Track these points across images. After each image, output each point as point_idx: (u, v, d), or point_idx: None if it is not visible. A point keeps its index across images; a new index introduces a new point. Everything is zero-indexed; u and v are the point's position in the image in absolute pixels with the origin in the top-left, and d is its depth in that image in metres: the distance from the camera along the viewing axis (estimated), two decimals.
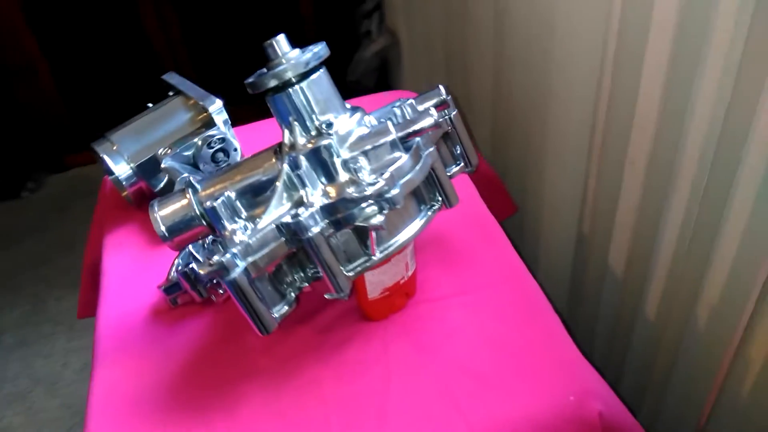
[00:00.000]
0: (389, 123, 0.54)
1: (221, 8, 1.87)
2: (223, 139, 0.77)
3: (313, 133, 0.54)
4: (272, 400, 0.58)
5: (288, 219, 0.52)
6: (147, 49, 1.84)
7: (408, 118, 0.57)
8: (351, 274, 0.54)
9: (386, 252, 0.55)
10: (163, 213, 0.58)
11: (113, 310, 0.69)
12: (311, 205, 0.53)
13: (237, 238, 0.53)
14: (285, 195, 0.55)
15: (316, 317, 0.64)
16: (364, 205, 0.52)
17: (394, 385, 0.57)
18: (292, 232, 0.53)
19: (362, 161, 0.54)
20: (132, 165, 0.75)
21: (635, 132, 0.73)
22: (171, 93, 0.84)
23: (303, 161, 0.54)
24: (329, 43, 0.55)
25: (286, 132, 0.55)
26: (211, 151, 0.76)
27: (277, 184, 0.55)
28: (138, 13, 1.79)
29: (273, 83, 0.53)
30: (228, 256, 0.51)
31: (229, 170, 0.59)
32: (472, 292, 0.65)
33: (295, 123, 0.54)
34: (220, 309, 0.67)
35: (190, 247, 0.68)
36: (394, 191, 0.51)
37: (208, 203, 0.56)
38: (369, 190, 0.51)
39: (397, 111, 0.57)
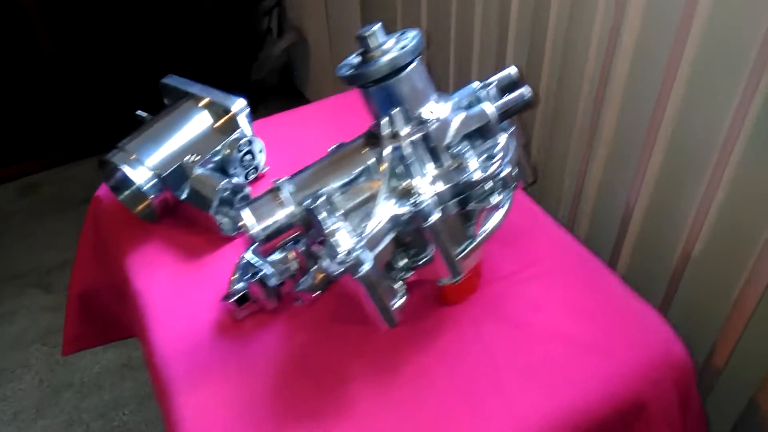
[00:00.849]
0: (488, 105, 0.55)
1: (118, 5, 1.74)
2: (250, 141, 0.74)
3: (415, 121, 0.55)
4: (383, 393, 0.57)
5: (405, 209, 0.52)
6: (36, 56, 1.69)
7: (494, 99, 0.58)
8: (460, 257, 0.55)
9: (486, 233, 0.57)
10: (258, 216, 0.55)
11: (169, 333, 0.64)
12: (421, 193, 0.53)
13: (341, 236, 0.52)
14: (388, 185, 0.54)
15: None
16: (477, 187, 0.53)
17: (500, 361, 0.59)
18: (407, 222, 0.53)
19: (465, 145, 0.55)
20: (159, 174, 0.70)
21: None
22: (166, 100, 0.79)
23: (408, 150, 0.54)
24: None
25: (386, 122, 0.54)
26: (240, 154, 0.73)
27: (381, 175, 0.54)
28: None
29: (383, 73, 0.52)
30: (359, 250, 0.50)
31: (318, 167, 0.57)
32: (535, 265, 0.68)
33: (398, 112, 0.54)
34: (293, 314, 0.65)
35: (248, 257, 0.65)
36: (507, 170, 0.53)
37: (307, 203, 0.54)
38: (488, 172, 0.52)
39: (482, 93, 0.58)
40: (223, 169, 0.73)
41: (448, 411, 0.56)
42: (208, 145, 0.73)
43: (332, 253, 0.51)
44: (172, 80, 0.78)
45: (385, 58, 0.52)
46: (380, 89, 0.54)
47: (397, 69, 0.53)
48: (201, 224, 0.73)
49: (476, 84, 0.60)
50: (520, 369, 0.58)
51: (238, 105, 0.73)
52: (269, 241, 0.56)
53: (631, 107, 0.72)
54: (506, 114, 0.56)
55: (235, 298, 0.63)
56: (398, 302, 0.55)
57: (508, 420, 0.55)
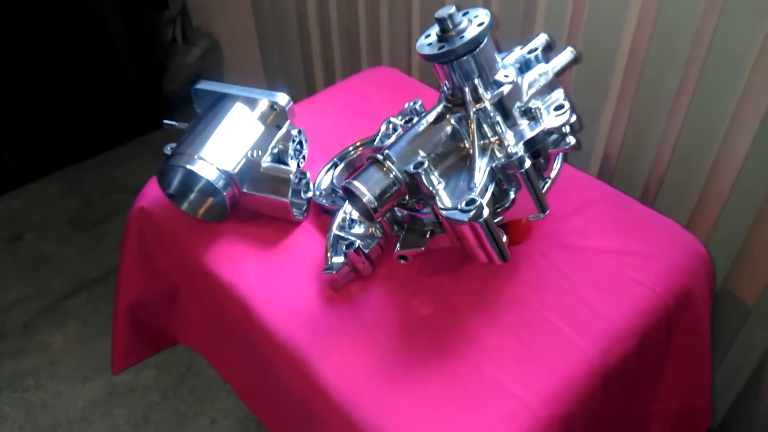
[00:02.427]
0: (544, 65, 0.66)
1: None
2: (300, 132, 0.80)
3: (493, 85, 0.64)
4: (493, 322, 0.67)
5: (502, 160, 0.62)
6: None
7: (542, 61, 0.69)
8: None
9: (556, 172, 0.68)
10: (369, 186, 0.62)
11: (279, 313, 0.69)
12: (512, 144, 0.63)
13: (443, 195, 0.61)
14: (478, 144, 0.64)
15: (465, 265, 0.72)
16: (555, 134, 0.64)
17: (575, 280, 0.70)
18: (504, 170, 0.62)
19: (535, 102, 0.65)
20: (227, 171, 0.74)
21: None
22: (197, 105, 0.82)
23: (492, 110, 0.63)
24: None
25: (470, 89, 0.63)
26: (295, 144, 0.79)
27: (469, 135, 0.63)
28: None
29: (469, 48, 0.61)
30: (479, 200, 0.59)
31: (410, 137, 0.65)
32: (572, 203, 0.79)
33: (479, 80, 0.63)
34: (386, 276, 0.72)
35: (336, 232, 0.72)
36: (574, 117, 0.64)
37: (411, 168, 0.62)
38: (565, 119, 0.63)
39: (531, 57, 0.68)
40: (279, 160, 0.78)
41: (549, 325, 0.66)
42: (266, 139, 0.77)
43: (451, 206, 0.60)
44: (206, 85, 0.81)
45: (469, 35, 0.61)
46: (464, 62, 0.62)
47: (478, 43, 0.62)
48: (266, 213, 0.78)
49: (518, 49, 0.70)
50: (594, 282, 0.70)
51: (284, 99, 0.79)
52: (381, 207, 0.63)
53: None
54: (558, 72, 0.67)
55: (338, 269, 0.69)
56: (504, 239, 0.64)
57: (600, 324, 0.66)
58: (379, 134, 0.84)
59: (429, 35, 0.66)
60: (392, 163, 0.63)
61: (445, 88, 0.67)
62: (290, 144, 0.78)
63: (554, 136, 0.64)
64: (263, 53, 1.68)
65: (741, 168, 0.81)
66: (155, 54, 1.98)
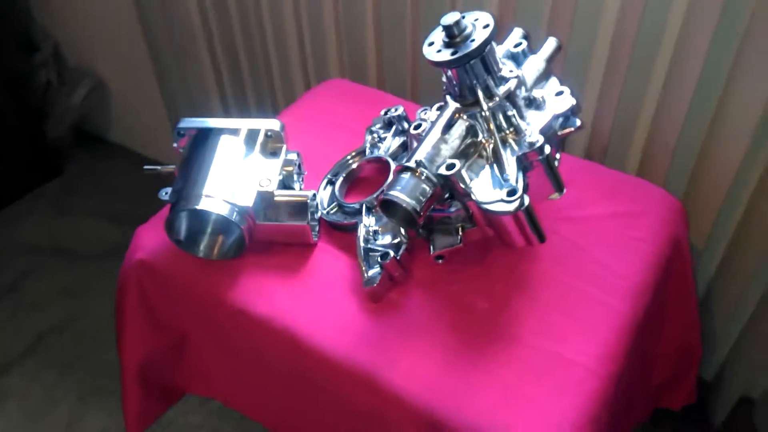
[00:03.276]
0: (537, 57, 0.71)
1: None
2: (298, 154, 0.80)
3: (502, 81, 0.68)
4: (531, 300, 0.71)
5: (525, 150, 0.66)
6: None
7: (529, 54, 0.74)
8: None
9: (560, 154, 0.74)
10: (410, 194, 0.64)
11: (330, 334, 0.69)
12: (530, 134, 0.67)
13: (478, 191, 0.65)
14: (498, 137, 0.68)
15: (489, 254, 0.76)
16: (560, 118, 0.69)
17: (585, 245, 0.76)
18: (523, 159, 0.67)
19: (536, 92, 0.70)
20: (246, 206, 0.73)
21: None
22: (178, 145, 0.80)
23: (506, 104, 0.68)
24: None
25: (480, 89, 0.67)
26: (296, 168, 0.79)
27: (492, 131, 0.68)
28: None
29: (480, 51, 0.65)
30: (519, 190, 0.63)
31: (432, 141, 0.68)
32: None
33: (490, 79, 0.67)
34: (421, 279, 0.74)
35: (364, 246, 0.73)
36: (574, 101, 0.70)
37: (445, 171, 0.65)
38: (570, 104, 0.69)
39: (518, 51, 0.73)
40: (285, 185, 0.78)
41: (581, 292, 0.72)
42: (268, 167, 0.77)
43: (493, 200, 0.63)
44: (188, 123, 0.79)
45: (479, 38, 0.65)
46: (475, 64, 0.66)
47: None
48: (281, 242, 0.77)
49: (499, 47, 0.74)
50: (603, 246, 0.77)
51: (277, 124, 0.78)
52: (423, 212, 0.65)
53: None
54: (548, 61, 0.73)
55: (377, 280, 0.70)
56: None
57: (623, 283, 0.73)
58: (367, 144, 0.86)
59: (432, 43, 0.69)
60: (425, 168, 0.65)
61: (453, 90, 0.70)
62: (293, 168, 0.78)
63: (560, 120, 0.70)
64: (162, 86, 1.62)
65: (682, 127, 0.91)
66: (30, 100, 1.84)
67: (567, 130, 0.70)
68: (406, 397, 0.64)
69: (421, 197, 0.65)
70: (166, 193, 0.78)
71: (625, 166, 1.00)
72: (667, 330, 0.85)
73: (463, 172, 0.65)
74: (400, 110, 0.85)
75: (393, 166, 0.80)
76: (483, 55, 0.66)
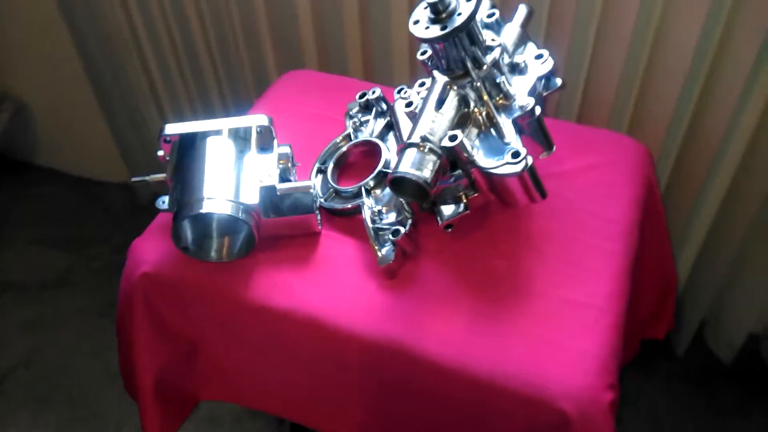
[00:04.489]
0: (512, 24, 0.75)
1: None
2: (289, 147, 0.80)
3: (488, 50, 0.72)
4: (539, 254, 0.76)
5: (517, 113, 0.70)
6: None
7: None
8: None
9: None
10: (421, 167, 0.67)
11: (359, 316, 0.71)
12: (520, 97, 0.71)
13: (481, 157, 0.69)
14: (492, 104, 0.71)
15: (489, 218, 0.80)
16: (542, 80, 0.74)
17: (576, 194, 0.82)
18: (519, 120, 0.71)
19: (517, 57, 0.74)
20: (246, 203, 0.73)
21: None
22: (163, 153, 0.79)
23: (495, 71, 0.71)
24: None
25: (469, 59, 0.70)
26: (291, 161, 0.80)
27: (485, 98, 0.71)
28: None
29: (468, 23, 0.67)
30: (522, 151, 0.67)
31: (429, 115, 0.70)
32: None
33: (477, 49, 0.70)
34: (430, 250, 0.77)
35: (373, 226, 0.75)
36: (553, 61, 0.74)
37: (448, 142, 0.68)
38: (550, 65, 0.73)
39: (492, 21, 0.76)
40: (284, 178, 0.78)
41: (580, 242, 0.77)
42: (263, 162, 0.77)
43: (498, 163, 0.67)
44: (173, 129, 0.77)
45: (465, 11, 0.68)
46: (461, 37, 0.69)
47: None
48: (286, 234, 0.78)
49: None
50: (588, 196, 0.82)
51: (265, 119, 0.78)
52: (434, 184, 0.68)
53: None
54: (522, 27, 0.77)
55: (392, 257, 0.73)
56: None
57: (614, 227, 0.79)
58: (350, 130, 0.88)
59: (418, 21, 0.71)
60: (429, 142, 0.68)
61: (441, 64, 0.73)
62: (288, 161, 0.79)
63: (542, 82, 0.74)
64: (102, 103, 1.56)
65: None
66: None
67: (550, 91, 0.74)
68: (441, 362, 0.67)
69: (430, 170, 0.67)
70: (164, 202, 0.77)
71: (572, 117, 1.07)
72: (648, 264, 0.92)
73: (465, 141, 0.68)
74: (378, 92, 0.87)
75: (382, 147, 0.82)
76: (470, 28, 0.69)
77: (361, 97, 0.90)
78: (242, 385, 0.84)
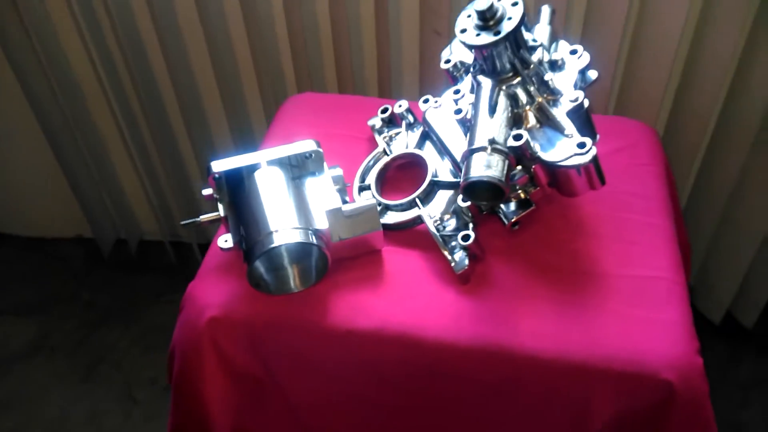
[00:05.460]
0: (542, 24, 0.78)
1: None
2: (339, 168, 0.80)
3: (532, 50, 0.74)
4: (612, 242, 0.79)
5: (571, 105, 0.73)
6: None
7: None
8: None
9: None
10: (494, 168, 0.68)
11: (446, 323, 0.72)
12: (567, 92, 0.74)
13: (544, 152, 0.72)
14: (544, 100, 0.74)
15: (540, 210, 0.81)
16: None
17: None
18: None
19: (555, 55, 0.78)
20: (322, 229, 0.72)
21: None
22: (210, 192, 0.76)
23: (542, 69, 0.74)
24: None
25: (518, 61, 0.73)
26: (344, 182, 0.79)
27: (538, 96, 0.74)
28: None
29: (518, 28, 0.70)
30: (588, 142, 0.70)
31: (485, 120, 0.72)
32: None
33: (524, 51, 0.73)
34: (495, 250, 0.78)
35: (437, 234, 0.76)
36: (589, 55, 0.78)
37: (513, 143, 0.70)
38: (586, 59, 0.77)
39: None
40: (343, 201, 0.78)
41: (630, 221, 0.81)
42: (321, 186, 0.76)
43: (566, 156, 0.70)
44: (222, 165, 0.75)
45: (515, 15, 0.70)
46: (512, 40, 0.71)
47: None
48: (353, 255, 0.77)
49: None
50: (622, 178, 0.86)
51: (313, 144, 0.78)
52: (507, 182, 0.70)
53: None
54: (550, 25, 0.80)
55: (467, 262, 0.74)
56: None
57: (653, 203, 0.83)
58: (383, 145, 0.88)
59: (465, 30, 0.73)
60: (495, 143, 0.70)
61: (487, 67, 0.75)
62: (341, 184, 0.78)
63: (579, 75, 0.77)
64: (60, 158, 1.47)
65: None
66: None
67: (588, 83, 0.78)
68: (540, 356, 0.69)
69: (501, 170, 0.69)
70: (226, 241, 0.74)
71: None
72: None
73: (529, 139, 0.71)
74: (405, 104, 0.88)
75: (427, 158, 0.83)
76: (518, 31, 0.71)
77: (384, 111, 0.90)
78: (315, 419, 0.82)
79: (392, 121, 0.90)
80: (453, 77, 0.85)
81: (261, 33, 1.16)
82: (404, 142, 0.87)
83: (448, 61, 0.85)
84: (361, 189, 0.85)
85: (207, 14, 1.15)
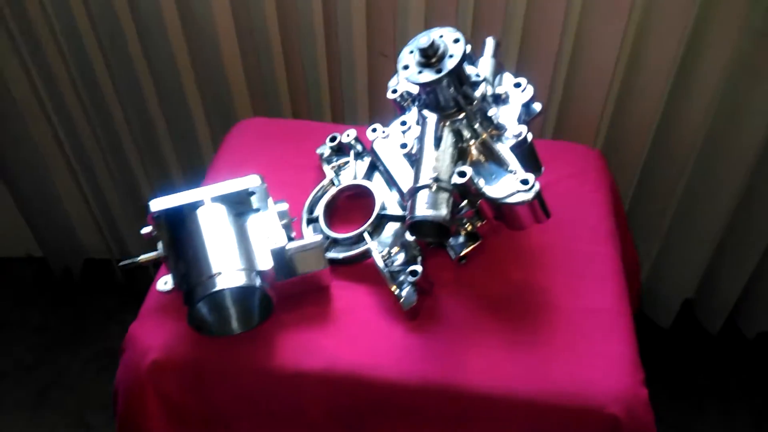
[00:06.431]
0: (486, 57, 0.78)
1: None
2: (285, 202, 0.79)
3: (475, 85, 0.74)
4: (556, 271, 0.80)
5: (512, 141, 0.74)
6: None
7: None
8: None
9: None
10: (436, 207, 0.68)
11: (393, 361, 0.71)
12: (511, 126, 0.75)
13: (489, 188, 0.72)
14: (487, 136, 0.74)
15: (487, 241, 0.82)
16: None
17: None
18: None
19: (498, 88, 0.78)
20: (266, 270, 0.71)
21: None
22: (149, 231, 0.74)
23: (485, 104, 0.74)
24: None
25: (461, 97, 0.73)
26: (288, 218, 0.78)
27: (482, 131, 0.74)
28: None
29: (461, 64, 0.70)
30: (531, 178, 0.70)
31: (430, 155, 0.72)
32: None
33: (467, 87, 0.73)
34: (442, 282, 0.78)
35: (386, 270, 0.75)
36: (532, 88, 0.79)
37: (457, 180, 0.70)
38: (530, 92, 0.77)
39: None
40: (289, 237, 0.76)
41: (577, 251, 0.81)
42: (266, 223, 0.75)
43: (508, 192, 0.70)
44: (161, 203, 0.73)
45: (457, 53, 0.70)
46: (455, 76, 0.71)
47: None
48: (299, 292, 0.76)
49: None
50: (570, 204, 0.86)
51: (257, 180, 0.76)
52: (452, 221, 0.69)
53: None
54: (494, 58, 0.80)
55: (414, 298, 0.73)
56: None
57: (600, 230, 0.84)
58: (331, 175, 0.87)
59: (407, 66, 0.72)
60: (439, 181, 0.70)
61: (431, 103, 0.74)
62: (287, 220, 0.77)
63: (523, 108, 0.78)
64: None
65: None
66: None
67: (532, 116, 0.78)
68: (489, 392, 0.69)
69: (446, 208, 0.69)
70: (166, 283, 0.72)
71: None
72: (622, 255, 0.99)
73: (473, 176, 0.71)
74: (354, 134, 0.88)
75: (374, 190, 0.82)
76: (461, 68, 0.71)
77: (332, 140, 0.90)
78: None
79: (341, 150, 0.90)
80: (400, 107, 0.85)
81: (207, 59, 1.14)
82: (353, 171, 0.86)
83: (395, 91, 0.84)
84: (310, 221, 0.84)
85: (150, 34, 1.12)
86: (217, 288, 0.67)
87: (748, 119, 1.04)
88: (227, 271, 0.68)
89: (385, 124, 0.85)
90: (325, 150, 0.90)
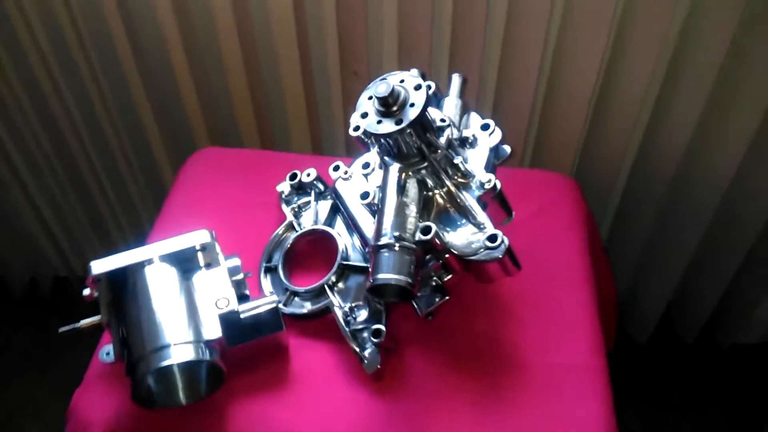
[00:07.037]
0: (452, 97, 0.73)
1: None
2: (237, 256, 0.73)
3: (440, 131, 0.69)
4: (529, 319, 0.75)
5: (480, 192, 0.68)
6: None
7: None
8: None
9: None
10: (399, 271, 0.63)
11: (358, 428, 0.67)
12: (478, 174, 0.69)
13: (457, 244, 0.67)
14: (452, 186, 0.69)
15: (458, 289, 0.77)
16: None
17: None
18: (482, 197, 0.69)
19: (465, 131, 0.72)
20: (210, 339, 0.65)
21: None
22: (89, 293, 0.69)
23: (451, 152, 0.69)
24: None
25: (424, 145, 0.67)
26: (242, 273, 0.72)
27: (447, 182, 0.68)
28: None
29: (423, 113, 0.64)
30: (499, 234, 0.65)
31: (392, 210, 0.66)
32: None
33: (432, 136, 0.67)
34: (407, 337, 0.73)
35: (348, 329, 0.70)
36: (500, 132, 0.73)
37: (421, 237, 0.65)
38: (498, 135, 0.71)
39: (429, 93, 0.73)
40: (241, 296, 0.71)
41: (547, 296, 0.77)
42: (216, 282, 0.69)
43: (476, 248, 0.65)
44: (102, 266, 0.68)
45: (418, 101, 0.64)
46: (418, 126, 0.65)
47: None
48: (251, 355, 0.71)
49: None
50: (543, 243, 0.82)
51: (206, 235, 0.71)
52: (415, 282, 0.64)
53: None
54: (460, 97, 0.75)
55: (378, 360, 0.69)
56: None
57: (574, 270, 0.80)
58: (290, 218, 0.82)
59: (366, 114, 0.67)
60: (401, 240, 0.64)
61: (393, 152, 0.69)
62: (239, 274, 0.71)
63: (491, 152, 0.72)
64: None
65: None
66: None
67: (501, 159, 0.73)
68: None
69: (409, 270, 0.64)
70: (108, 354, 0.67)
71: None
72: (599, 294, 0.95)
73: (438, 231, 0.65)
74: (314, 173, 0.82)
75: (336, 236, 0.77)
76: (423, 119, 0.66)
77: (292, 177, 0.84)
78: None
79: (302, 188, 0.84)
80: (363, 143, 0.79)
81: (163, 85, 1.07)
82: (314, 213, 0.81)
83: (357, 128, 0.78)
84: (268, 270, 0.79)
85: (105, 58, 1.05)
86: (162, 363, 0.62)
87: (723, 144, 1.00)
88: (173, 343, 0.63)
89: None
90: (285, 187, 0.84)
